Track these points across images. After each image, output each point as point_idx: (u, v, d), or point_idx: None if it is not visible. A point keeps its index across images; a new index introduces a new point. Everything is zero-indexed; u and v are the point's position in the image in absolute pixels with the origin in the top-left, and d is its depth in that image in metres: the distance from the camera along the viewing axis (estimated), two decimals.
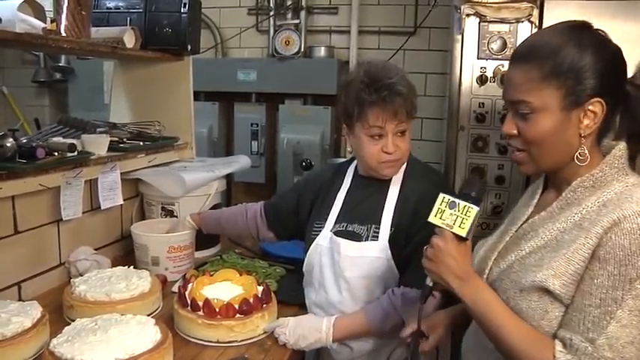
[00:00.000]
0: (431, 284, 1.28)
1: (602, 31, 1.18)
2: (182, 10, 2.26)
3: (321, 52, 3.43)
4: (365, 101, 1.57)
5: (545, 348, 1.12)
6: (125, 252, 2.31)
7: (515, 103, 1.20)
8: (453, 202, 1.22)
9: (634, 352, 1.06)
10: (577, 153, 1.17)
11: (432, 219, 1.24)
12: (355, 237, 1.65)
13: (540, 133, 1.17)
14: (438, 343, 1.46)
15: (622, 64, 1.18)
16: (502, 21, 1.87)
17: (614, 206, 1.10)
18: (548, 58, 1.16)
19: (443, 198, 1.23)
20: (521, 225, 1.29)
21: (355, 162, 1.83)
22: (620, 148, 1.19)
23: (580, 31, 1.17)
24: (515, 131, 1.21)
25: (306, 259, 1.78)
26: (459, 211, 1.21)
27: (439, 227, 1.23)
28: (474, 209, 1.20)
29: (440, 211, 1.23)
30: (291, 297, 1.86)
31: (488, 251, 1.33)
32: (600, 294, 1.07)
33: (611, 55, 1.16)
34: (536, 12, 1.83)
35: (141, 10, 2.28)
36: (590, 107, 1.14)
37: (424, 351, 1.43)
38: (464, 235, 1.20)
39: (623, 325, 1.05)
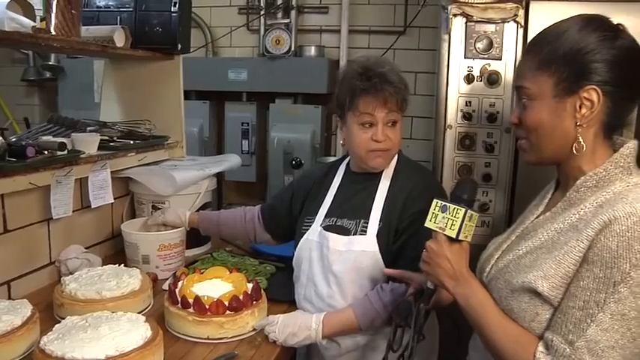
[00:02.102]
0: (432, 287, 1.31)
1: (620, 24, 1.16)
2: (172, 10, 2.27)
3: (312, 51, 3.44)
4: (357, 88, 1.62)
5: (527, 348, 1.12)
6: (116, 250, 2.31)
7: (517, 90, 1.23)
8: (445, 205, 1.25)
9: (616, 357, 1.04)
10: (574, 143, 1.15)
11: (427, 224, 1.27)
12: (344, 231, 1.68)
13: (535, 120, 1.18)
14: (440, 303, 1.44)
15: (634, 57, 1.14)
16: (488, 21, 1.89)
17: (608, 207, 1.08)
18: (546, 45, 1.17)
19: (436, 203, 1.27)
20: (528, 225, 1.29)
21: (347, 159, 1.86)
22: (629, 146, 1.16)
23: (590, 19, 1.16)
24: (517, 120, 1.23)
25: (295, 254, 1.80)
26: (449, 213, 1.24)
27: (434, 231, 1.26)
28: (462, 210, 1.23)
29: (434, 215, 1.26)
30: (281, 294, 1.87)
31: (494, 249, 1.34)
32: (584, 296, 1.06)
33: (619, 45, 1.12)
34: (521, 12, 1.86)
35: (131, 9, 2.28)
36: (584, 95, 1.12)
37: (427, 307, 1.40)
38: (453, 236, 1.23)
39: (604, 329, 1.04)
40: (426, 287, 1.32)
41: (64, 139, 1.93)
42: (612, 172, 1.14)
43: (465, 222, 1.22)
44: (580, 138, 1.15)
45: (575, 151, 1.16)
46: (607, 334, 1.04)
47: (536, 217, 1.28)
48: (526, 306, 1.15)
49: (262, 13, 3.52)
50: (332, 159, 2.52)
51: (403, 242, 1.60)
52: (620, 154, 1.15)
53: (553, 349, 1.08)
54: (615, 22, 1.17)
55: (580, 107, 1.14)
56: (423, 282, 1.39)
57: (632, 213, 1.04)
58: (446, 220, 1.24)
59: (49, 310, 1.70)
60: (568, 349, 1.06)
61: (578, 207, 1.15)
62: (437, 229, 1.26)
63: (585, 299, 1.06)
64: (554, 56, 1.15)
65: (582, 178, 1.17)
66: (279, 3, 3.48)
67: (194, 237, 2.26)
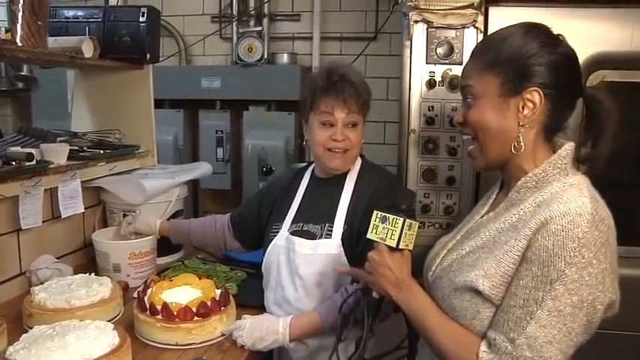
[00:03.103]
0: (377, 296, 1.34)
1: (560, 34, 1.22)
2: (141, 20, 2.28)
3: (284, 58, 3.47)
4: (317, 87, 1.67)
5: (470, 348, 1.16)
6: (88, 260, 2.31)
7: (463, 89, 1.28)
8: (384, 216, 1.29)
9: (553, 351, 1.09)
10: (514, 142, 1.20)
11: (369, 235, 1.31)
12: (310, 235, 1.71)
13: (480, 118, 1.23)
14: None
15: (572, 65, 1.21)
16: (448, 27, 1.93)
17: (545, 207, 1.13)
18: (492, 49, 1.23)
19: (376, 214, 1.30)
20: (472, 225, 1.33)
21: (313, 165, 1.89)
22: (566, 148, 1.21)
23: (532, 26, 1.22)
24: (461, 119, 1.28)
25: (264, 260, 1.82)
26: (389, 224, 1.28)
27: (375, 241, 1.30)
28: (400, 220, 1.26)
29: (375, 226, 1.30)
30: (252, 300, 1.89)
31: (440, 248, 1.38)
32: (524, 295, 1.11)
33: (560, 52, 1.19)
34: (480, 18, 1.90)
35: (99, 20, 2.29)
36: (527, 96, 1.18)
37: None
38: (393, 245, 1.27)
39: (542, 326, 1.09)
40: (372, 297, 1.35)
41: (32, 150, 1.93)
42: (550, 173, 1.19)
43: (404, 231, 1.26)
44: (520, 137, 1.20)
45: (514, 151, 1.21)
46: (545, 330, 1.09)
47: (481, 217, 1.33)
48: (467, 304, 1.19)
49: (235, 21, 3.54)
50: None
51: (364, 245, 1.63)
52: (558, 156, 1.20)
53: (495, 347, 1.13)
54: (556, 33, 1.23)
55: (523, 108, 1.19)
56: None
57: (566, 212, 1.09)
58: (386, 230, 1.28)
59: (19, 321, 1.70)
60: (510, 347, 1.11)
61: (519, 207, 1.20)
62: (378, 240, 1.30)
63: (525, 297, 1.11)
64: (500, 58, 1.20)
65: (523, 178, 1.21)
66: (251, 11, 3.50)
67: (166, 245, 2.27)
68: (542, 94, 1.17)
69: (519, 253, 1.13)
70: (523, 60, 1.18)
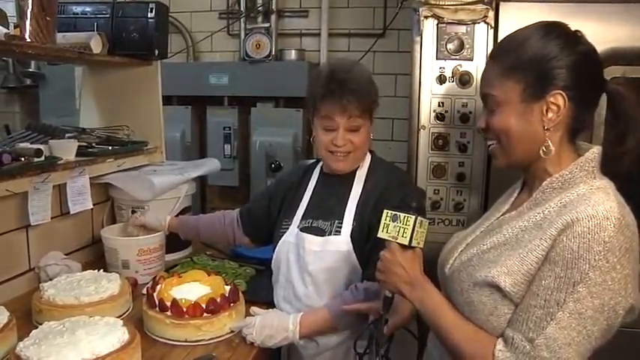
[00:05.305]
0: (389, 295, 1.34)
1: (578, 31, 1.20)
2: (149, 16, 2.28)
3: (292, 55, 3.46)
4: (317, 94, 1.66)
5: (486, 346, 1.15)
6: (96, 256, 2.31)
7: (484, 97, 1.26)
8: (395, 215, 1.28)
9: (571, 354, 1.08)
10: (542, 146, 1.19)
11: (380, 234, 1.30)
12: (319, 232, 1.71)
13: (504, 125, 1.21)
14: (398, 326, 1.49)
15: (594, 62, 1.19)
16: (459, 22, 1.92)
17: (571, 208, 1.11)
18: (511, 52, 1.20)
19: (387, 213, 1.30)
20: (493, 222, 1.32)
21: (322, 161, 1.88)
22: (594, 152, 1.19)
23: (550, 27, 1.20)
24: (484, 125, 1.26)
25: (274, 257, 1.82)
26: (400, 222, 1.27)
27: (387, 240, 1.29)
28: (412, 218, 1.26)
29: (385, 225, 1.30)
30: (261, 296, 1.89)
31: (458, 242, 1.37)
32: (545, 295, 1.10)
33: (579, 51, 1.17)
34: (491, 14, 1.89)
35: (108, 16, 2.29)
36: (551, 100, 1.16)
37: (386, 334, 1.45)
38: (406, 243, 1.26)
39: (562, 327, 1.08)
40: (384, 296, 1.35)
41: (40, 146, 1.93)
42: (577, 175, 1.18)
43: (416, 229, 1.26)
44: (549, 141, 1.18)
45: (543, 154, 1.19)
46: (565, 331, 1.08)
47: (502, 215, 1.32)
48: (486, 300, 1.18)
49: (242, 17, 3.53)
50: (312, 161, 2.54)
51: (376, 242, 1.61)
52: (586, 159, 1.19)
53: (513, 347, 1.12)
54: (573, 29, 1.20)
55: (547, 111, 1.17)
56: (379, 309, 1.41)
57: (594, 215, 1.08)
58: (397, 228, 1.27)
59: (28, 317, 1.70)
60: (528, 346, 1.10)
61: (543, 206, 1.18)
62: (389, 239, 1.29)
63: (547, 298, 1.09)
64: (519, 63, 1.18)
65: (548, 179, 1.20)
66: (259, 7, 3.49)
67: (174, 241, 2.26)
68: (565, 96, 1.16)
69: (543, 252, 1.11)
70: (543, 64, 1.16)
